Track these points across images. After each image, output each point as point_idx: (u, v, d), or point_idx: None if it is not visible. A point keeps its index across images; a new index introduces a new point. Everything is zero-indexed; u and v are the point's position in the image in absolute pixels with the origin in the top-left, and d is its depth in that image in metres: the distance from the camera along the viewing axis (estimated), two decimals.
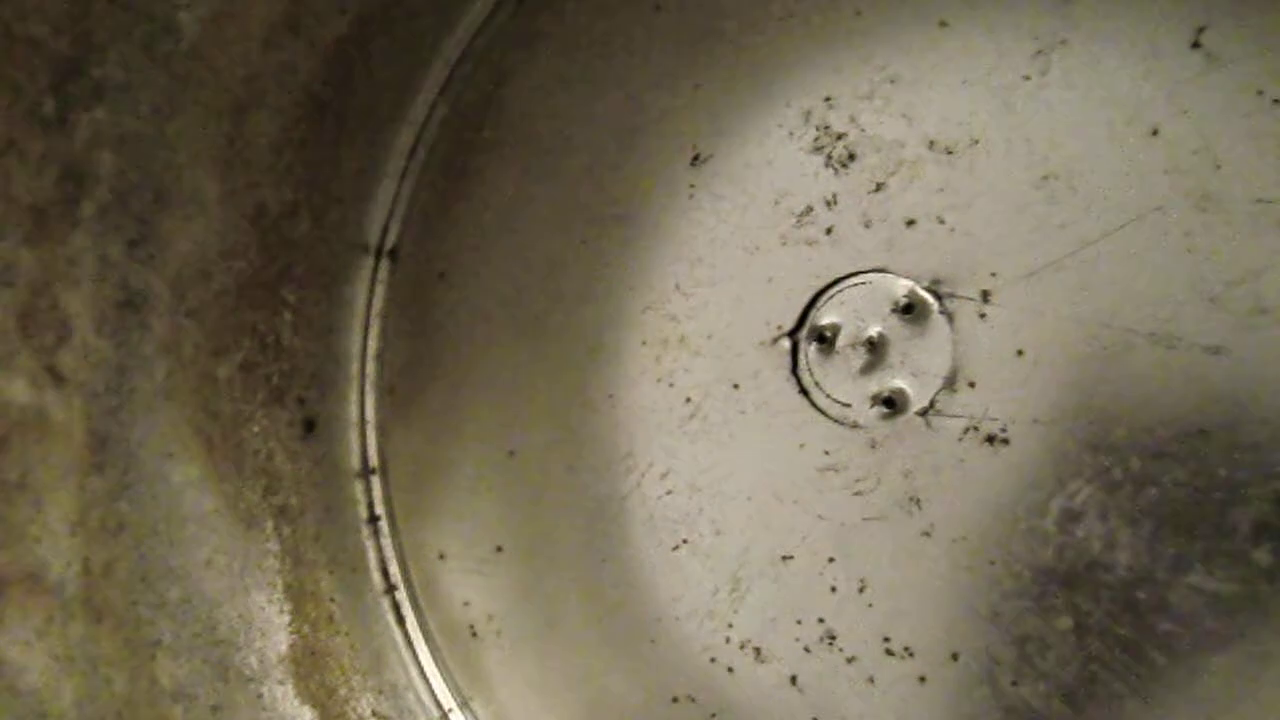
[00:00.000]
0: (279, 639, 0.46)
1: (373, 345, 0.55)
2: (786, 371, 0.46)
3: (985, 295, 0.42)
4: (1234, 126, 0.39)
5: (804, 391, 0.45)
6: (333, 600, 0.50)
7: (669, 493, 0.47)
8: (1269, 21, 0.39)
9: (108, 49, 0.41)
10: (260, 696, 0.44)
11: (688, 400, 0.47)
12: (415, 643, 0.52)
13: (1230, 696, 0.37)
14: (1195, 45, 0.40)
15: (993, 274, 0.42)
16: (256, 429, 0.49)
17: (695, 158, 0.48)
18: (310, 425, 0.52)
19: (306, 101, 0.49)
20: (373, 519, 0.54)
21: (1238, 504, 0.37)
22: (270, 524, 0.48)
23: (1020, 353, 0.41)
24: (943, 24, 0.44)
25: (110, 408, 0.42)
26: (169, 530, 0.43)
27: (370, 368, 0.55)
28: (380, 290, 0.56)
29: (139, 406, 0.44)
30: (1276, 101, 0.39)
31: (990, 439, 0.41)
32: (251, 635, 0.45)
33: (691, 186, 0.48)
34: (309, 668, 0.47)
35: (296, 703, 0.46)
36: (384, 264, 0.56)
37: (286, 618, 0.47)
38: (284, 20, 0.46)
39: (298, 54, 0.47)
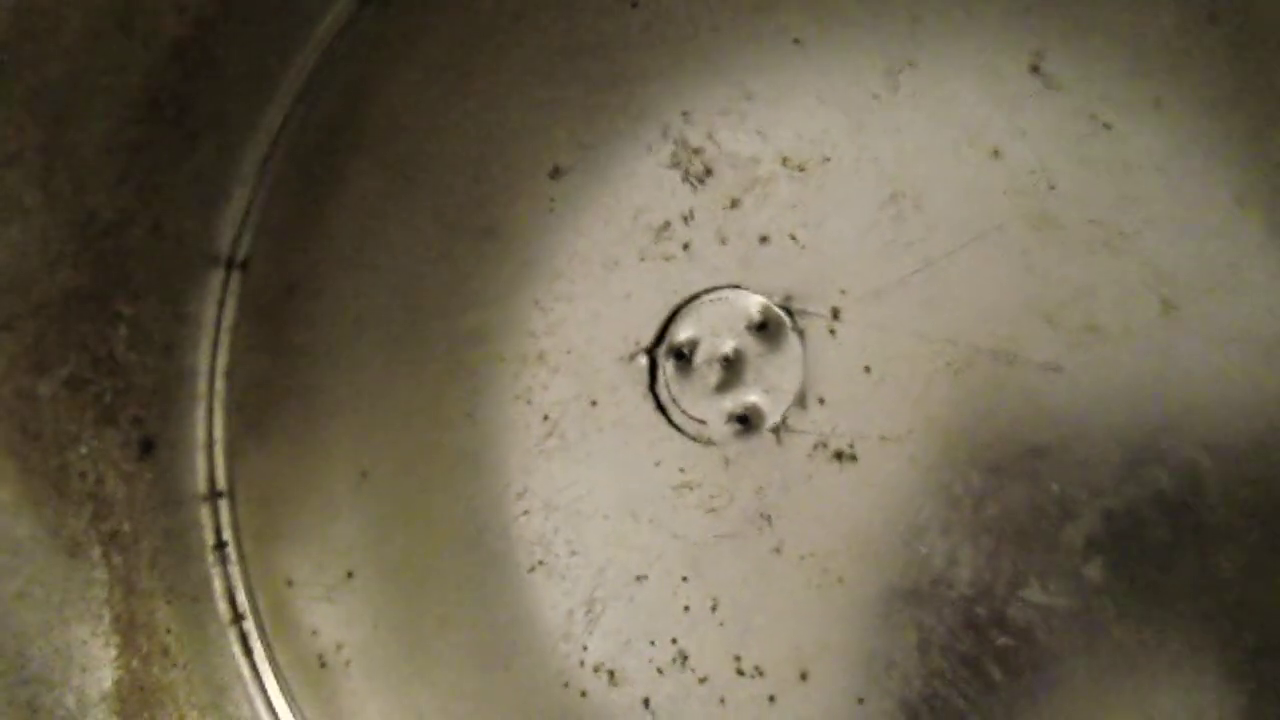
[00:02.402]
0: (102, 675, 0.43)
1: (222, 361, 0.52)
2: (644, 388, 0.45)
3: (835, 312, 0.42)
4: (1068, 149, 0.40)
5: (661, 408, 0.45)
6: (169, 631, 0.47)
7: (525, 513, 0.46)
8: (1101, 47, 0.40)
9: None
10: None
11: (546, 417, 0.46)
12: (263, 674, 0.50)
13: (1066, 710, 0.38)
14: (1034, 70, 0.41)
15: (842, 291, 0.42)
16: (84, 450, 0.45)
17: (555, 170, 0.47)
18: (148, 446, 0.49)
19: (142, 103, 0.46)
20: (220, 545, 0.51)
21: (1070, 520, 0.38)
22: (98, 551, 0.45)
23: (868, 369, 0.41)
24: (797, 41, 0.44)
25: None
26: None
27: (219, 385, 0.52)
28: (231, 303, 0.53)
29: None
30: (1107, 126, 0.40)
31: (839, 455, 0.41)
32: (69, 672, 0.42)
33: (551, 200, 0.47)
34: (136, 705, 0.44)
35: None
36: (235, 276, 0.53)
37: (113, 652, 0.44)
38: (112, 16, 0.43)
39: (129, 53, 0.44)
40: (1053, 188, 0.40)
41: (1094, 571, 0.38)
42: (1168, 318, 0.38)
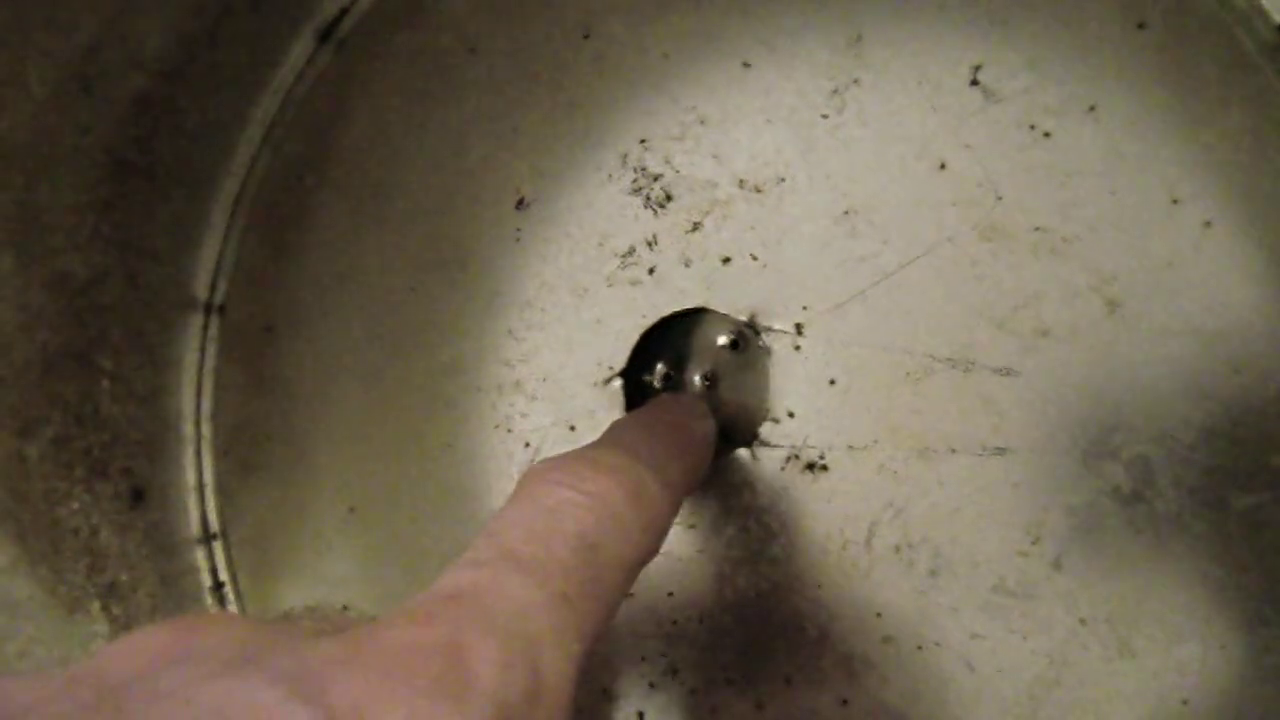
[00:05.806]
0: None
1: (206, 405, 0.54)
2: (619, 411, 0.46)
3: (799, 328, 0.44)
4: (1011, 159, 0.42)
5: None
6: None
7: None
8: (1036, 58, 0.42)
9: None
10: None
11: (526, 445, 0.48)
12: None
13: (1029, 700, 0.40)
14: (974, 83, 0.42)
15: (804, 307, 0.44)
16: (75, 505, 0.46)
17: (520, 201, 0.49)
18: (139, 495, 0.50)
19: (108, 162, 0.47)
20: (217, 586, 0.53)
21: (1036, 515, 0.40)
22: (96, 604, 0.46)
23: (832, 382, 0.43)
24: (745, 65, 0.45)
25: None
26: None
27: (206, 429, 0.53)
28: (211, 348, 0.54)
29: None
30: (1047, 134, 0.41)
31: (810, 466, 0.43)
32: None
33: (518, 230, 0.49)
34: None
35: None
36: (214, 320, 0.54)
37: None
38: (73, 80, 0.44)
39: (92, 113, 0.45)
40: (999, 198, 0.41)
41: (1060, 561, 0.39)
42: (1113, 317, 0.40)
